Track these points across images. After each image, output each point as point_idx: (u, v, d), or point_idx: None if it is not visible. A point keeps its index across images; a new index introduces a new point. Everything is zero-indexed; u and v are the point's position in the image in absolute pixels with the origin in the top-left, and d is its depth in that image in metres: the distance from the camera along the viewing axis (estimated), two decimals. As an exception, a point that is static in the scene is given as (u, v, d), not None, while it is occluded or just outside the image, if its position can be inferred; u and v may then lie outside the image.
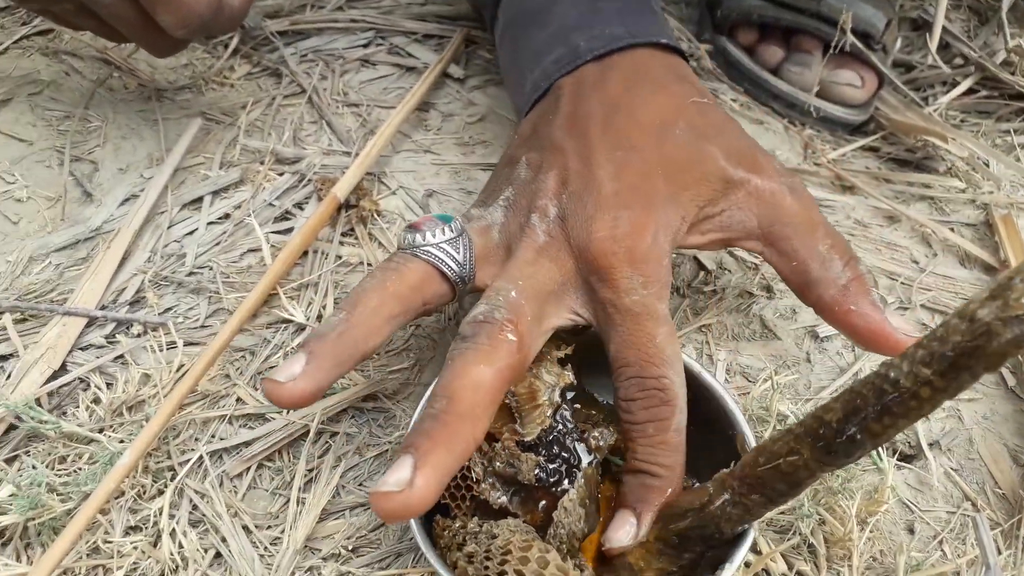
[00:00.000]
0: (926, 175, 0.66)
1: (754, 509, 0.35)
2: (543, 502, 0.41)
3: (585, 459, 0.43)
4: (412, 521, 0.39)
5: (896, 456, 0.48)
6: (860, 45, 0.66)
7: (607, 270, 0.41)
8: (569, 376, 0.43)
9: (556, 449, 0.42)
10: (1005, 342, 0.24)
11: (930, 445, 0.49)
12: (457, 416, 0.36)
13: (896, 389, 0.27)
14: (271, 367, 0.51)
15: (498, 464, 0.41)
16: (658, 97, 0.48)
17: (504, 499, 0.41)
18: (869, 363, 0.53)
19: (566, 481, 0.42)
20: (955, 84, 0.73)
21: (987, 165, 0.66)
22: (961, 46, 0.75)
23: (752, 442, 0.41)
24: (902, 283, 0.58)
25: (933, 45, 0.72)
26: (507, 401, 0.41)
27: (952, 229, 0.62)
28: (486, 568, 0.37)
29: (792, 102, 0.70)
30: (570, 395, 0.45)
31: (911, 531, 0.46)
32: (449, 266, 0.42)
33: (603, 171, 0.44)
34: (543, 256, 0.43)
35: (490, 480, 0.41)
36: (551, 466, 0.42)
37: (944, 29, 0.74)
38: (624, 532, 0.40)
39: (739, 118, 0.70)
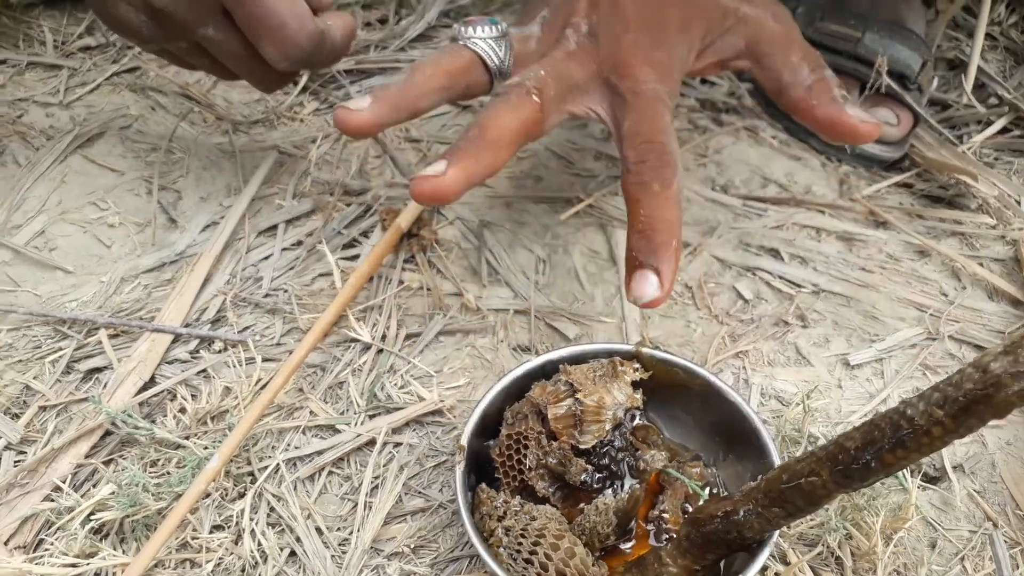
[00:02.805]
0: (958, 211, 0.69)
1: (774, 520, 0.38)
2: (582, 504, 0.46)
3: (628, 481, 0.47)
4: (463, 511, 0.43)
5: (921, 477, 0.52)
6: (895, 86, 0.69)
7: (630, 67, 0.51)
8: (638, 399, 0.47)
9: (607, 461, 0.47)
10: (1012, 393, 0.28)
11: (954, 468, 0.52)
12: (485, 141, 0.47)
13: (911, 426, 0.31)
14: (341, 383, 0.56)
15: (551, 460, 0.46)
16: None
17: (549, 491, 0.46)
18: (898, 390, 0.56)
19: (609, 491, 0.46)
20: (989, 123, 0.76)
21: (1018, 203, 0.68)
22: (996, 86, 0.78)
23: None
24: (931, 315, 0.61)
25: (968, 85, 0.75)
26: (573, 410, 0.46)
27: (981, 264, 0.65)
28: (519, 544, 0.41)
29: (829, 139, 0.73)
30: (636, 415, 0.49)
31: (933, 547, 0.49)
32: (492, 59, 0.52)
33: None
34: (572, 59, 0.52)
35: (540, 471, 0.46)
36: (597, 475, 0.47)
37: (980, 70, 0.77)
38: (649, 286, 0.45)
39: (778, 154, 0.74)
